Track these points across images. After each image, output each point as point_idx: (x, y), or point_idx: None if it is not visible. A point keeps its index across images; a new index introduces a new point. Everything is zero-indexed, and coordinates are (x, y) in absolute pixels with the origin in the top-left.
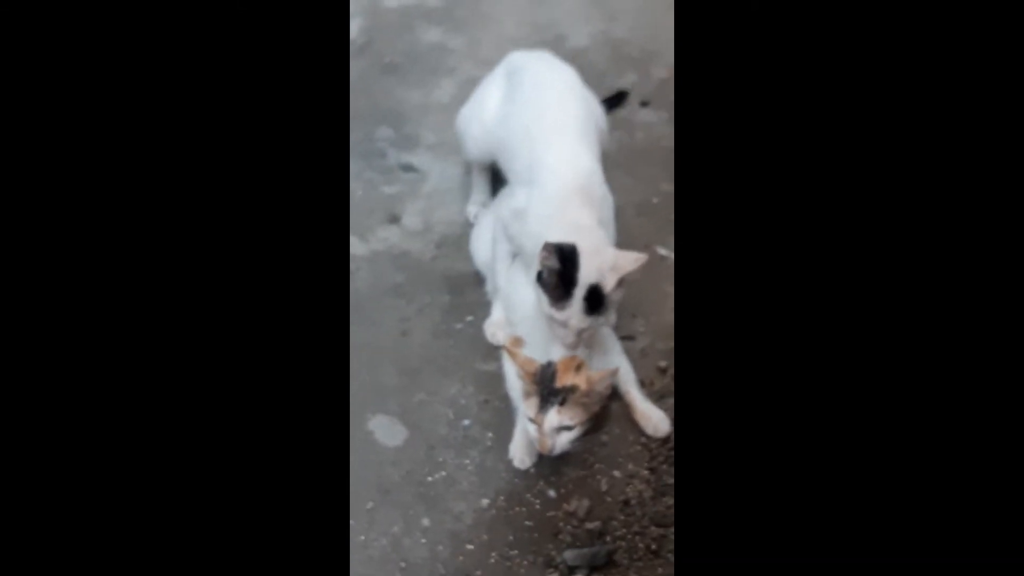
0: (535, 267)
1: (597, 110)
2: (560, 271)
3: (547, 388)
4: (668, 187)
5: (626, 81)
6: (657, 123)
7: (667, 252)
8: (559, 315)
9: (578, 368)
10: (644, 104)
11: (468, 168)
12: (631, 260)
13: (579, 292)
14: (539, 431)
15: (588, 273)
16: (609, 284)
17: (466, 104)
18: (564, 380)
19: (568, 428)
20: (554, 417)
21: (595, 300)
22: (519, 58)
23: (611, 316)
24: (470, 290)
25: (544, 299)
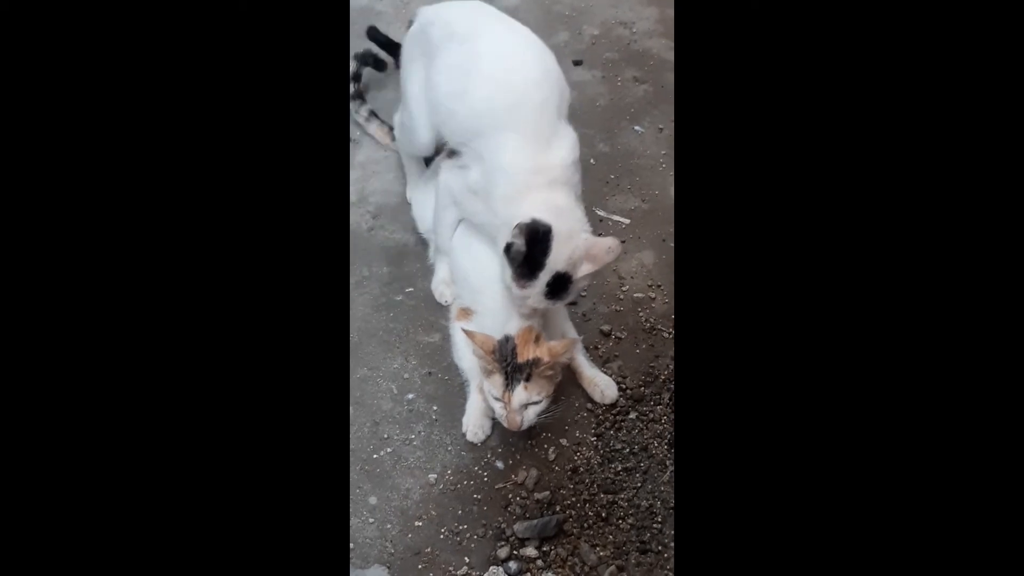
0: (503, 238)
1: (559, 72)
2: (527, 253)
3: (510, 364)
4: (605, 147)
5: (558, 40)
6: (591, 82)
7: (605, 214)
8: (519, 292)
9: (537, 339)
10: (577, 63)
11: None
12: (605, 250)
13: (544, 276)
14: (507, 409)
15: (557, 260)
16: (580, 274)
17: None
18: (526, 354)
19: (535, 402)
20: (522, 394)
21: (559, 286)
22: (455, 19)
23: (571, 296)
24: (409, 261)
25: (508, 272)
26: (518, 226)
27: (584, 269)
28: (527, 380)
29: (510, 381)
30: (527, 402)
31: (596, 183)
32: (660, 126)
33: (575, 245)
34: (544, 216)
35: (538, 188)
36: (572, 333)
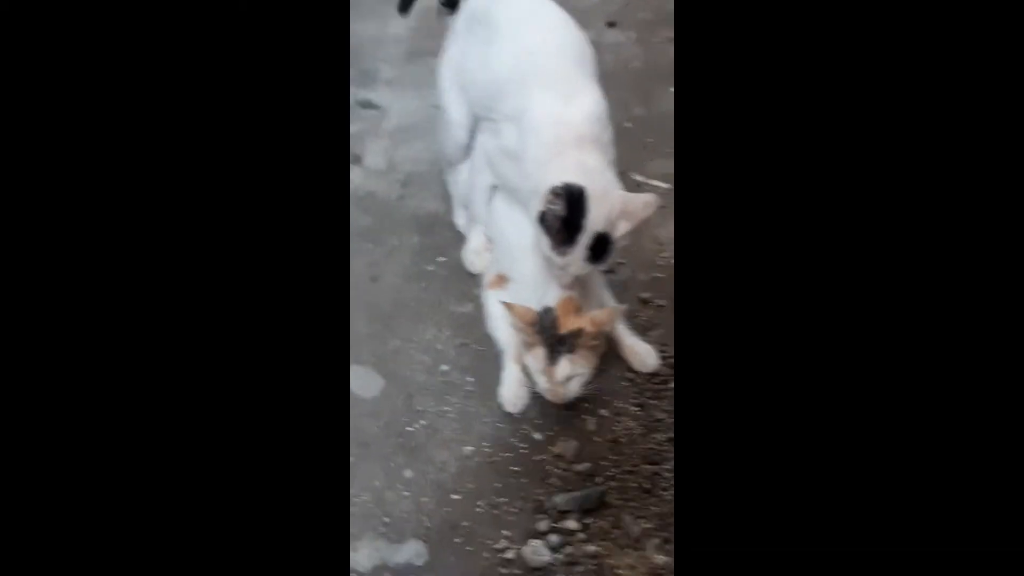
0: (535, 207)
1: (577, 31)
2: (565, 218)
3: (552, 336)
4: (640, 111)
5: (591, 1)
6: (626, 44)
7: (643, 179)
8: (559, 260)
9: (577, 310)
10: (611, 25)
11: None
12: (641, 205)
13: (584, 239)
14: (551, 382)
15: (596, 220)
16: (619, 232)
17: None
18: (567, 325)
19: (579, 374)
20: (567, 366)
21: (599, 247)
22: (479, 4)
23: (611, 257)
24: (440, 229)
25: (545, 241)
26: (551, 190)
27: (622, 228)
28: (571, 352)
29: (553, 354)
30: (572, 374)
31: (633, 147)
32: None
33: (611, 203)
34: (575, 178)
35: (568, 147)
36: (611, 302)
